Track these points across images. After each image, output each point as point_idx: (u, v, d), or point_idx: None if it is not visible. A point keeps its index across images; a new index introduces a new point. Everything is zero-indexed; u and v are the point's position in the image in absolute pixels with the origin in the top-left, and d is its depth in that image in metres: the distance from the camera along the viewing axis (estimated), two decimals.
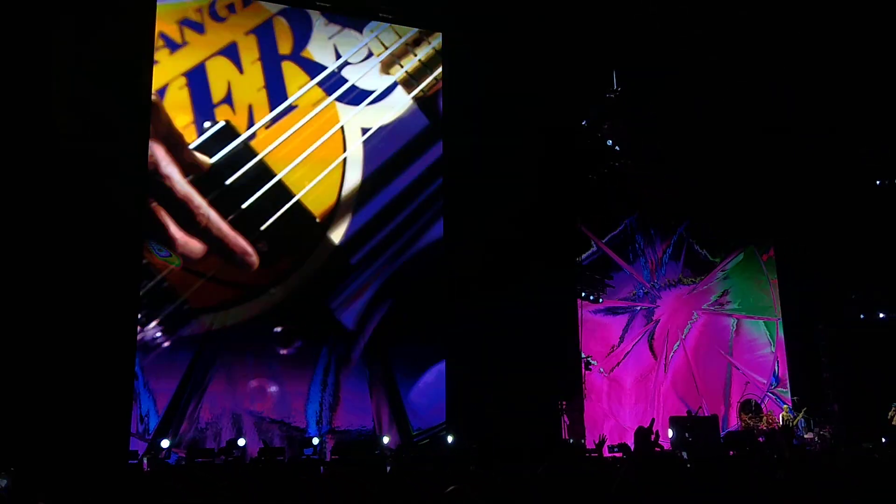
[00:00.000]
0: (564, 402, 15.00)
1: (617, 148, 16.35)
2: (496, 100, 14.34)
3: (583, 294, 16.05)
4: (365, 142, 14.08)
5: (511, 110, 14.34)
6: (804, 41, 14.68)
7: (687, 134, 16.58)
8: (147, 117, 12.44)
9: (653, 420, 12.84)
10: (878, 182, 16.99)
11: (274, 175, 13.27)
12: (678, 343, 17.19)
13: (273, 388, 12.85)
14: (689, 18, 14.51)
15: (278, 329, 13.05)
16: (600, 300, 16.40)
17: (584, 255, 16.49)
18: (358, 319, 13.62)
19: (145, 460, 11.06)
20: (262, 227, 13.09)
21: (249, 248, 12.94)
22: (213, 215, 12.78)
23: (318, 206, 13.61)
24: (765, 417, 16.59)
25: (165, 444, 11.63)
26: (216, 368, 12.51)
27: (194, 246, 12.61)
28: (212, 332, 12.53)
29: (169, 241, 12.47)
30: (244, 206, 13.00)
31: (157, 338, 12.25)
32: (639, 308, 16.99)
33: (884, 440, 14.81)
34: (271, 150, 13.31)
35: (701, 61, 15.47)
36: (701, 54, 15.32)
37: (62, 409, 10.55)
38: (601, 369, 16.15)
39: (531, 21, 14.30)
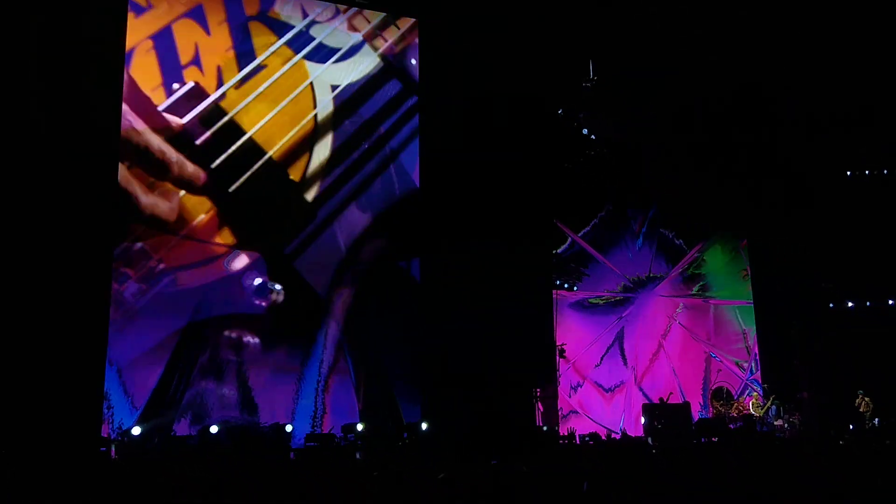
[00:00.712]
0: (539, 390, 15.09)
1: (593, 137, 16.40)
2: (473, 89, 14.34)
3: (557, 282, 16.13)
4: (335, 98, 14.08)
5: (488, 96, 14.37)
6: (777, 34, 14.81)
7: (664, 124, 16.67)
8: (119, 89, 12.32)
9: None
10: (848, 173, 17.24)
11: (245, 134, 13.21)
12: (661, 339, 17.32)
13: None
14: (666, 8, 14.55)
15: (258, 281, 13.07)
16: (575, 288, 16.48)
17: (563, 247, 16.57)
18: (329, 290, 13.67)
19: (113, 448, 10.97)
20: (232, 188, 13.02)
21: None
22: (189, 166, 12.75)
23: (290, 163, 13.59)
24: (735, 405, 16.79)
25: (136, 431, 11.53)
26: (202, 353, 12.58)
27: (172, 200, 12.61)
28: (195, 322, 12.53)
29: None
30: (213, 165, 12.93)
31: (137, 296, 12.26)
32: (622, 297, 17.10)
33: (851, 427, 15.07)
34: (241, 110, 13.24)
35: (678, 51, 15.54)
36: (678, 44, 15.39)
37: (30, 393, 10.45)
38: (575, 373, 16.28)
39: (508, 9, 14.27)
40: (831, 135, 16.64)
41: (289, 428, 12.38)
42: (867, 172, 17.41)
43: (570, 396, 16.06)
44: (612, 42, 15.23)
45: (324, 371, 13.34)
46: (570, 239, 16.70)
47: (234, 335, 12.85)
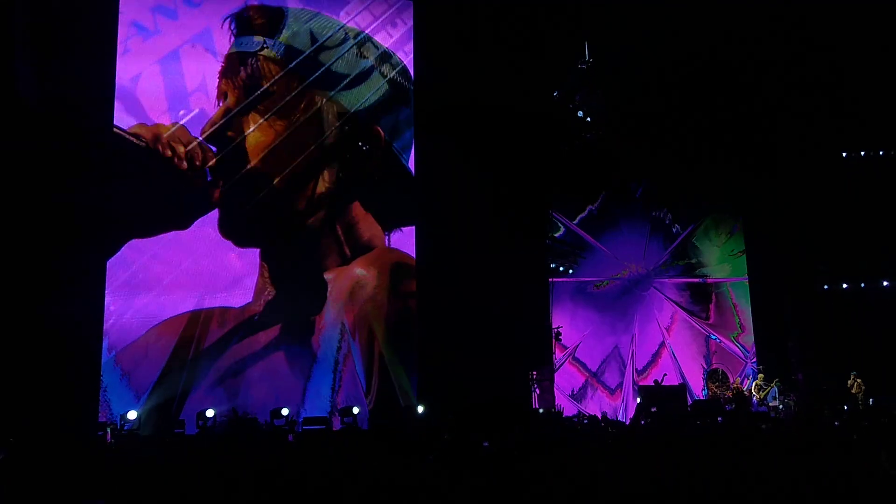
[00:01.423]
0: (535, 373, 15.14)
1: (588, 119, 16.34)
2: (467, 71, 14.25)
3: (552, 265, 16.16)
4: (342, 125, 14.00)
5: (483, 84, 14.28)
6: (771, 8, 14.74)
7: (660, 105, 16.62)
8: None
9: None
10: (843, 154, 17.23)
11: (249, 162, 13.18)
12: (661, 322, 17.36)
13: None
14: None
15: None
16: (570, 272, 16.51)
17: (561, 232, 16.59)
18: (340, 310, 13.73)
19: (108, 431, 11.00)
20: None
21: None
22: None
23: (296, 191, 13.55)
24: (732, 386, 16.85)
25: (132, 415, 11.56)
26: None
27: None
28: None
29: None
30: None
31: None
32: (620, 282, 17.11)
33: (845, 408, 15.15)
34: (247, 136, 13.19)
35: (672, 31, 15.45)
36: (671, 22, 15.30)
37: (28, 379, 10.47)
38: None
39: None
40: (827, 115, 16.59)
41: (285, 411, 12.41)
42: (863, 154, 17.39)
43: (579, 402, 16.09)
44: (605, 23, 15.15)
45: (328, 358, 13.44)
46: (566, 224, 16.72)
47: (237, 322, 12.90)
